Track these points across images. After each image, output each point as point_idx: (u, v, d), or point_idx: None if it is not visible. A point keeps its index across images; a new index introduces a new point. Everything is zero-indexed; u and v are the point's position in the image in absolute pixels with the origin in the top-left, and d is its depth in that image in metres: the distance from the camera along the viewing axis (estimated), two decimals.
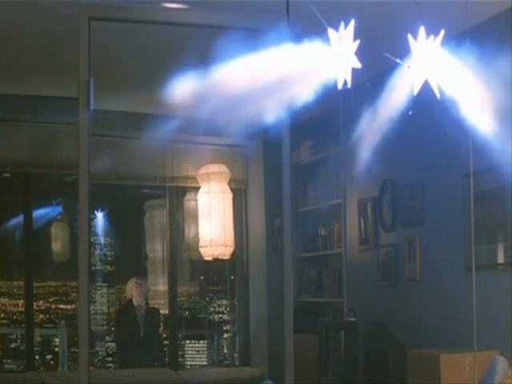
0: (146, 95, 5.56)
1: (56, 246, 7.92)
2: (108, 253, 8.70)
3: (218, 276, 8.06)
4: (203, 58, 2.69)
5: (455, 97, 3.06)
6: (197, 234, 6.83)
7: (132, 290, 7.06)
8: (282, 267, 2.80)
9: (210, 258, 6.59)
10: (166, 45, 4.94)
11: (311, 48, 2.73)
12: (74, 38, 2.59)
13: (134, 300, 7.02)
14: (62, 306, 8.42)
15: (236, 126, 3.06)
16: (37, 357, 7.52)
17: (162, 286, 7.61)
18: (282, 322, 2.79)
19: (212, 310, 8.28)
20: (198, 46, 3.28)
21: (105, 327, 8.63)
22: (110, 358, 8.28)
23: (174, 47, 4.68)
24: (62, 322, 8.20)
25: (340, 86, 2.77)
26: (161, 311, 7.51)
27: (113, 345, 8.35)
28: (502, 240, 4.71)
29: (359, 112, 3.91)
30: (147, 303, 7.29)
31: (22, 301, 7.29)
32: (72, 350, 7.88)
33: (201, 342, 8.26)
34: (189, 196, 7.35)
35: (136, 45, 5.12)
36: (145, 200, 7.83)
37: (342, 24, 2.73)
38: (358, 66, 2.73)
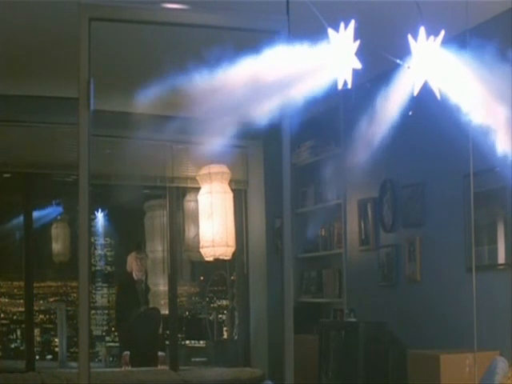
0: (146, 95, 5.55)
1: (56, 247, 7.94)
2: (108, 253, 8.71)
3: (218, 276, 8.05)
4: (203, 59, 2.69)
5: (455, 97, 3.06)
6: (197, 235, 6.82)
7: (132, 264, 7.08)
8: (282, 267, 2.80)
9: (211, 259, 6.58)
10: (165, 45, 4.93)
11: (311, 48, 2.73)
12: (75, 38, 2.59)
13: (134, 274, 7.05)
14: (62, 307, 8.43)
15: (236, 126, 3.06)
16: (37, 357, 7.52)
17: (162, 286, 7.61)
18: (282, 322, 2.79)
19: (212, 310, 8.27)
20: (197, 47, 3.27)
21: (105, 327, 8.64)
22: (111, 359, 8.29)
23: (173, 47, 4.68)
24: (62, 321, 8.21)
25: (340, 87, 2.78)
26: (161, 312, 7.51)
27: (113, 345, 8.35)
28: (502, 240, 4.71)
29: (359, 112, 3.92)
30: (147, 277, 7.32)
31: (22, 301, 7.28)
32: (72, 350, 7.89)
33: (201, 342, 8.26)
34: (189, 196, 7.34)
35: (136, 45, 5.11)
36: (145, 200, 7.83)
37: (342, 24, 2.74)
38: (358, 66, 2.74)
